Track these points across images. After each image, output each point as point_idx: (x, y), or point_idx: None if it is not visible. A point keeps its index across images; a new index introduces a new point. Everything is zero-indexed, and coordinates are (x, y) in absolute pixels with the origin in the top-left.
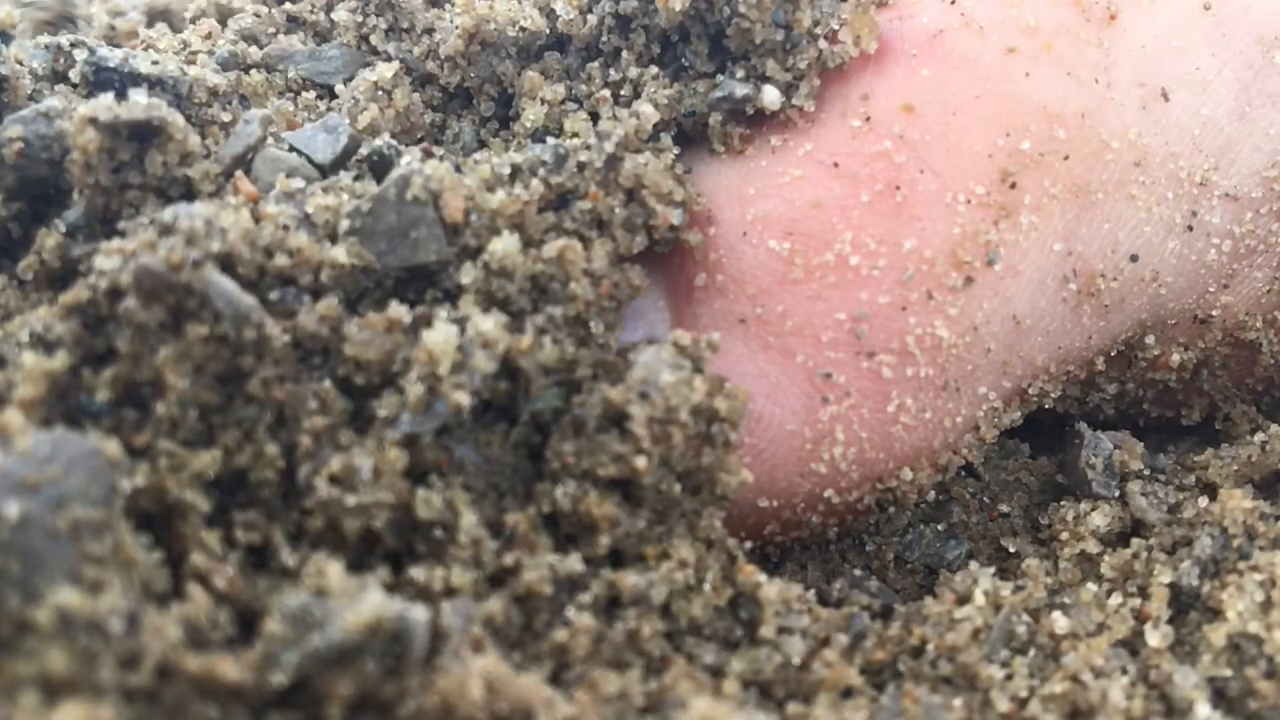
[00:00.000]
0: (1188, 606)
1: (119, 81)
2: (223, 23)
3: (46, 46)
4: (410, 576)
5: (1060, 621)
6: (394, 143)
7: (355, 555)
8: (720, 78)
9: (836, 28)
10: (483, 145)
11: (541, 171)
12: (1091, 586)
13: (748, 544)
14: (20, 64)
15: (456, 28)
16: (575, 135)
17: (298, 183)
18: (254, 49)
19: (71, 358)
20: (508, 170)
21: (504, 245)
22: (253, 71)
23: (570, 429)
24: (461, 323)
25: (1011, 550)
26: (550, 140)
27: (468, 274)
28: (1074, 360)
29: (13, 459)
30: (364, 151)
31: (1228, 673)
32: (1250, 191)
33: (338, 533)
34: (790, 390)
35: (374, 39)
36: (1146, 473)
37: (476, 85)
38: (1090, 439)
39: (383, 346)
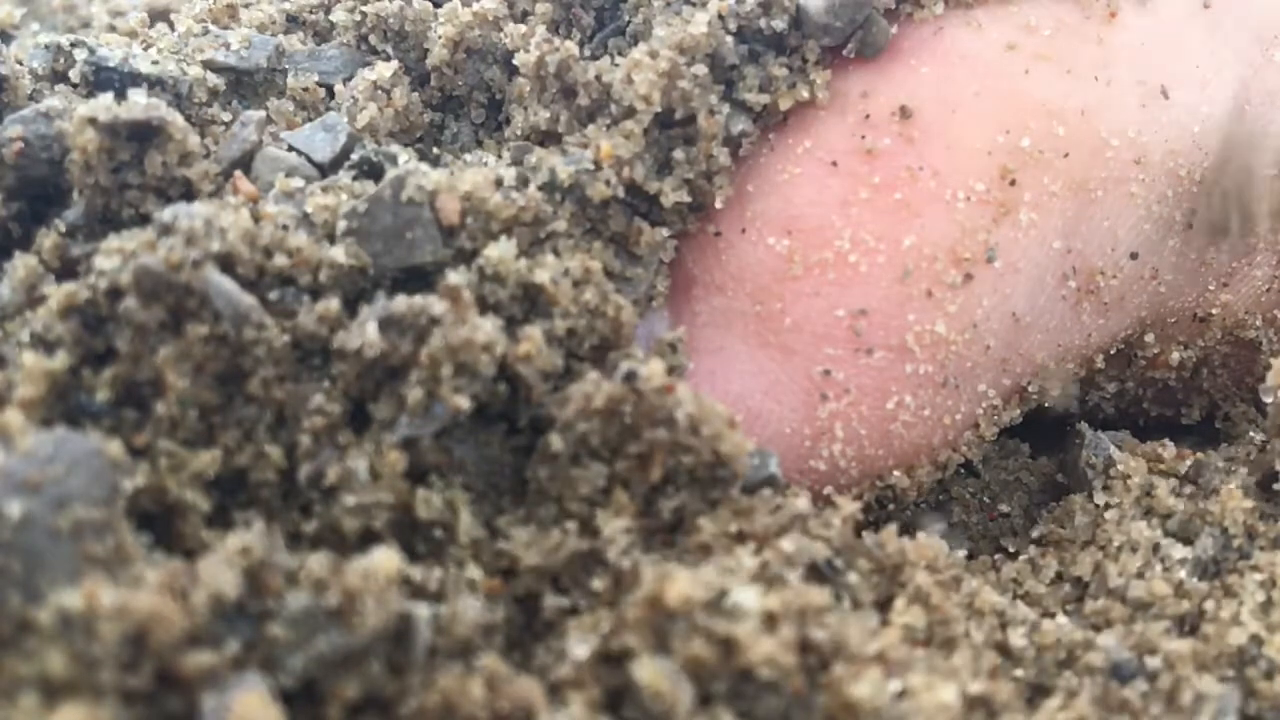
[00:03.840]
0: None
1: (119, 81)
2: (221, 22)
3: (46, 46)
4: (410, 576)
5: (1061, 622)
6: (386, 149)
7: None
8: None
9: None
10: (480, 145)
11: (536, 179)
12: None
13: None
14: (20, 64)
15: (440, 37)
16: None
17: (297, 182)
18: (254, 49)
19: (71, 358)
20: (504, 174)
21: (499, 251)
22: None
23: (545, 455)
24: None
25: (1011, 550)
26: (540, 151)
27: (460, 278)
28: (1074, 358)
29: (14, 459)
30: (355, 157)
31: (1228, 673)
32: None
33: (338, 533)
34: (789, 387)
35: (373, 39)
36: None
37: (465, 92)
38: (1090, 439)
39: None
